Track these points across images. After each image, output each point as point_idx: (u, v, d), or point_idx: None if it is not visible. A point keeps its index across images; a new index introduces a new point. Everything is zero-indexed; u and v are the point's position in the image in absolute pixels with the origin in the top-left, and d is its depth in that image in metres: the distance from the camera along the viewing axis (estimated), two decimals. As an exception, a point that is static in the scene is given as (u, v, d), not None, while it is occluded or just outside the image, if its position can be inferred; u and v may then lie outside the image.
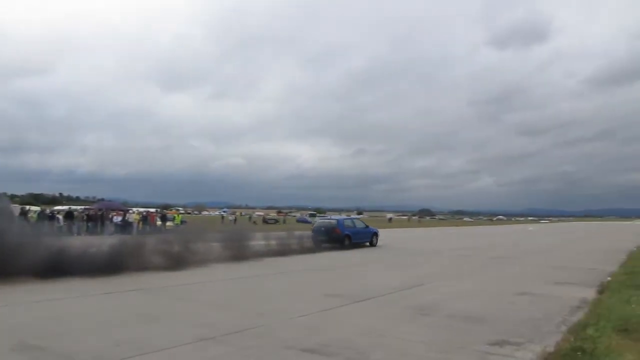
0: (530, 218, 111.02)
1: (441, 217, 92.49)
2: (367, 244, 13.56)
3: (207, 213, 68.75)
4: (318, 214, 63.02)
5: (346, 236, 12.54)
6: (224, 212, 55.90)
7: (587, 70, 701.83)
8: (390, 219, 51.29)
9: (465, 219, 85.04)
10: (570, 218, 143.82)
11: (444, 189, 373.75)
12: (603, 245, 17.48)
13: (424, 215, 74.78)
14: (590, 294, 6.20)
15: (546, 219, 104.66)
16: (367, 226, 14.04)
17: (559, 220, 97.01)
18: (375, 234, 13.96)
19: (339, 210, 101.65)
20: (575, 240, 21.22)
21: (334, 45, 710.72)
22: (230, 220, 33.50)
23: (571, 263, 10.48)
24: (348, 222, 13.20)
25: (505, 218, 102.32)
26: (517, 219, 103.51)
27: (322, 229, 12.62)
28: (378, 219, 62.51)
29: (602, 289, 6.38)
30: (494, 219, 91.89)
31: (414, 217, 78.33)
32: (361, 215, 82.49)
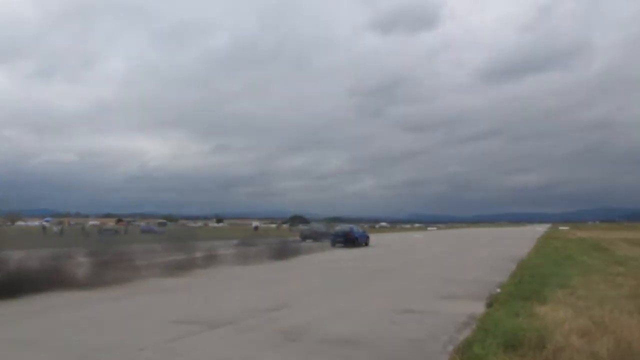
0: (416, 225, 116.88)
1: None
2: (364, 244, 26.55)
3: (22, 224, 66.77)
4: (170, 221, 71.56)
5: (355, 238, 25.73)
6: (46, 221, 56.25)
7: (476, 61, 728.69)
8: (256, 228, 49.57)
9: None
10: (461, 224, 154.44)
11: (320, 192, 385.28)
12: (493, 253, 19.97)
13: (297, 222, 75.72)
14: (479, 308, 6.86)
15: (434, 225, 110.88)
16: (364, 232, 28.43)
17: (447, 227, 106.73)
18: (367, 237, 27.70)
19: (194, 218, 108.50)
20: (464, 248, 23.79)
21: (191, 20, 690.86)
22: (55, 232, 33.39)
23: (459, 274, 11.59)
24: (356, 229, 27.92)
25: (388, 225, 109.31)
26: (402, 225, 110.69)
27: (340, 233, 25.91)
28: (241, 227, 61.96)
29: (491, 302, 7.14)
30: (376, 226, 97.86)
31: (284, 225, 79.36)
32: (221, 224, 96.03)
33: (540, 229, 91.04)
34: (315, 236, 31.85)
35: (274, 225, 76.10)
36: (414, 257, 17.77)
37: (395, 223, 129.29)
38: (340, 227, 29.46)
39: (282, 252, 17.03)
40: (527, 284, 9.04)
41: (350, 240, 26.63)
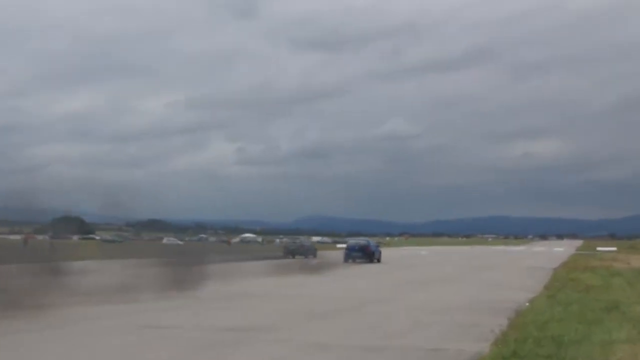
0: (325, 239, 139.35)
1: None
2: (377, 260, 46.61)
3: None
4: None
5: (372, 253, 46.35)
6: None
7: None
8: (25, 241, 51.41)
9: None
10: (401, 238, 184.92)
11: (124, 167, 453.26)
12: (469, 292, 23.86)
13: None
14: None
15: (359, 237, 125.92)
16: (377, 245, 50.62)
17: (386, 243, 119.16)
18: (380, 252, 49.00)
19: None
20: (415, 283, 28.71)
21: None
22: None
23: (398, 339, 12.98)
24: (372, 243, 50.54)
25: (257, 238, 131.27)
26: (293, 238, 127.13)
27: (357, 247, 46.80)
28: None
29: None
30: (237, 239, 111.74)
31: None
32: None
33: (561, 249, 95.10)
34: (304, 252, 49.13)
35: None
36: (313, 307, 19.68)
37: (275, 234, 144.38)
38: (354, 241, 48.66)
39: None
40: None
41: (368, 255, 44.20)
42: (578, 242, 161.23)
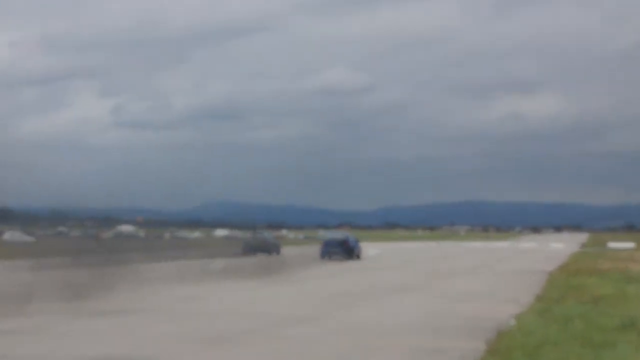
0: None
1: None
2: (357, 256, 59.73)
3: None
4: None
5: (352, 249, 58.98)
6: None
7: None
8: None
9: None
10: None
11: None
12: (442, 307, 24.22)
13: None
14: None
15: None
16: (356, 240, 63.22)
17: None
18: (361, 248, 62.50)
19: None
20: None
21: None
22: None
23: None
24: (352, 237, 64.86)
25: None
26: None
27: (334, 242, 60.18)
28: None
29: None
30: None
31: None
32: None
33: (559, 245, 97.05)
34: (266, 248, 59.07)
35: None
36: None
37: (165, 226, 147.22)
38: (332, 236, 57.88)
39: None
40: None
41: (348, 251, 53.98)
42: (583, 236, 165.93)
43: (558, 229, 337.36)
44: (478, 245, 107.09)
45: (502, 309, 22.54)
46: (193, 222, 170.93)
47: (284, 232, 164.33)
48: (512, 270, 46.61)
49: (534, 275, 39.78)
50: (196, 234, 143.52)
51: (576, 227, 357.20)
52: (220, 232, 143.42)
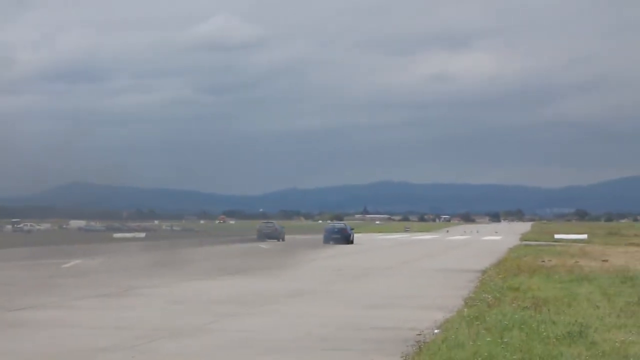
0: None
1: None
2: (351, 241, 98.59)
3: None
4: None
5: (349, 235, 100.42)
6: None
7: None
8: None
9: None
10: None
11: None
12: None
13: None
14: None
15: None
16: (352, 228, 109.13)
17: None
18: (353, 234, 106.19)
19: None
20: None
21: None
22: None
23: None
24: (349, 226, 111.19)
25: None
26: None
27: (336, 230, 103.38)
28: None
29: None
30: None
31: None
32: None
33: (496, 237, 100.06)
34: (277, 235, 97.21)
35: None
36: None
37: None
38: (332, 224, 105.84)
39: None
40: None
41: (345, 237, 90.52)
42: (525, 226, 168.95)
43: (495, 217, 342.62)
44: (397, 238, 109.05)
45: (425, 316, 22.83)
46: (43, 209, 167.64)
47: (155, 222, 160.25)
48: (438, 269, 47.20)
49: (465, 274, 40.48)
50: (46, 225, 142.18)
51: (517, 215, 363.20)
52: (76, 223, 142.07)
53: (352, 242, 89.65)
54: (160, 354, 17.17)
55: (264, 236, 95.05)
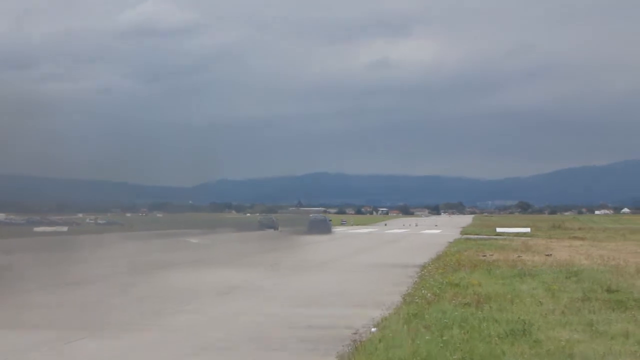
0: None
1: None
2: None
3: None
4: None
5: (329, 226, 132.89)
6: None
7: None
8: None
9: None
10: None
11: None
12: None
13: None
14: None
15: None
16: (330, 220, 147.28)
17: None
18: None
19: None
20: None
21: None
22: None
23: None
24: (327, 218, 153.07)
25: None
26: None
27: (318, 220, 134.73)
28: None
29: None
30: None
31: None
32: None
33: (435, 231, 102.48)
34: (274, 225, 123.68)
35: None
36: None
37: None
38: (314, 216, 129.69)
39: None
40: None
41: (326, 227, 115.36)
42: (466, 219, 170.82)
43: (435, 210, 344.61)
44: (333, 231, 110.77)
45: (362, 314, 22.99)
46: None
47: (80, 215, 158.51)
48: (374, 264, 47.37)
49: (403, 269, 40.63)
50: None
51: (458, 208, 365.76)
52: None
53: (330, 232, 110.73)
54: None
55: (264, 226, 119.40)
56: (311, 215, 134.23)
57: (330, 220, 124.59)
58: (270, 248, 66.94)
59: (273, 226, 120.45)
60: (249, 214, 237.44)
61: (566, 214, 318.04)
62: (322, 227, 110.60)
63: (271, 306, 26.95)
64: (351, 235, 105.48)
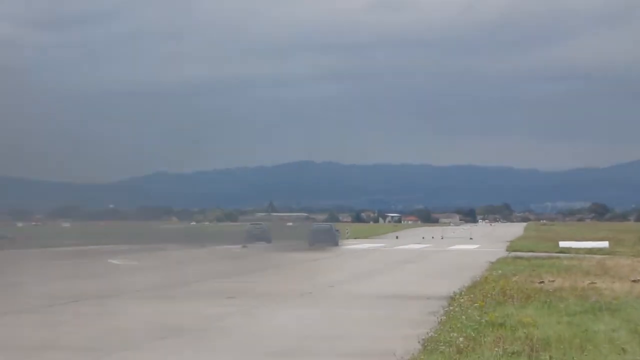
0: None
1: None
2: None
3: None
4: None
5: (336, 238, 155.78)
6: None
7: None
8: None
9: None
10: None
11: None
12: None
13: None
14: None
15: None
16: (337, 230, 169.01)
17: None
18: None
19: None
20: None
21: None
22: None
23: None
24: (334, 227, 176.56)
25: None
26: None
27: (322, 231, 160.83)
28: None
29: None
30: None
31: None
32: None
33: (469, 247, 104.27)
34: (266, 237, 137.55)
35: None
36: None
37: None
38: (317, 225, 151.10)
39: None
40: None
41: (332, 239, 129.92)
42: (515, 229, 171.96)
43: (469, 215, 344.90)
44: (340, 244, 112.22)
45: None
46: None
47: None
48: (382, 295, 47.50)
49: (422, 302, 40.92)
50: None
51: (502, 212, 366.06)
52: None
53: (337, 245, 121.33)
54: None
55: (254, 238, 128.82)
56: (314, 224, 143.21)
57: (338, 230, 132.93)
58: (227, 272, 67.30)
59: (265, 238, 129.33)
60: (194, 223, 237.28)
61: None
62: (326, 238, 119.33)
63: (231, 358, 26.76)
64: (348, 253, 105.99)
